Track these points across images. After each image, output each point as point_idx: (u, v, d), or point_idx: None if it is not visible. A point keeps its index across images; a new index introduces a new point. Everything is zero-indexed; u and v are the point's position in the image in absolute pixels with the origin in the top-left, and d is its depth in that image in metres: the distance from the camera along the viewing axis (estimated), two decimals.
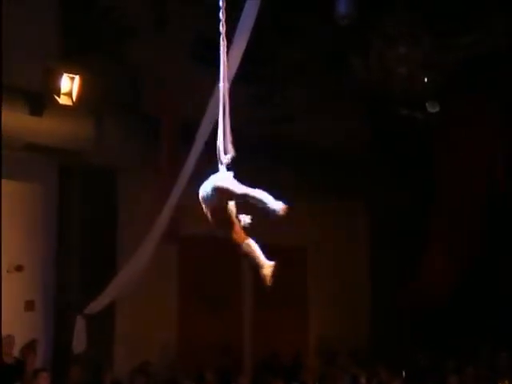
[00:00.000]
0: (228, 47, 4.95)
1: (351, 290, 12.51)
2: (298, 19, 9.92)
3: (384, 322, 12.38)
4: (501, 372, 9.91)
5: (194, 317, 10.95)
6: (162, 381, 9.98)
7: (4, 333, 8.70)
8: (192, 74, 9.44)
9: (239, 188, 4.44)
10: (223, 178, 4.55)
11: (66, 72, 8.49)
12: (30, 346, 9.10)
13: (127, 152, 9.50)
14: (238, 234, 4.57)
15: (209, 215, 4.59)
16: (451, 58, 9.46)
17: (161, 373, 10.20)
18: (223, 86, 4.78)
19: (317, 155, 11.20)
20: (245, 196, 4.39)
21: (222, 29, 4.82)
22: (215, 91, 6.37)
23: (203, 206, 4.58)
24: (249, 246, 4.55)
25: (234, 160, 4.69)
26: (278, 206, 4.32)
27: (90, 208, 9.76)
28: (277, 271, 4.53)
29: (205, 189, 4.55)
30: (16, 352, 8.91)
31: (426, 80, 9.37)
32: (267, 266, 4.57)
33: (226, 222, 4.57)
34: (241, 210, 4.65)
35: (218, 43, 4.84)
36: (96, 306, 9.05)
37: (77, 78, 8.55)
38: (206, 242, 9.54)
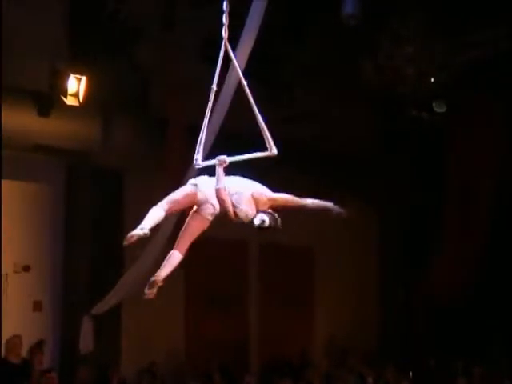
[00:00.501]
0: (234, 48, 4.96)
1: (359, 290, 12.48)
2: (308, 19, 9.91)
3: (392, 322, 12.35)
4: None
5: (200, 317, 10.95)
6: (169, 381, 9.99)
7: (12, 333, 8.74)
8: (200, 74, 9.42)
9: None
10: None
11: (73, 73, 8.50)
12: (37, 346, 9.12)
13: (134, 152, 9.51)
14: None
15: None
16: (460, 58, 9.43)
17: (168, 373, 10.21)
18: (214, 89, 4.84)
19: (327, 155, 11.18)
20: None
21: (225, 34, 4.83)
22: (221, 92, 6.40)
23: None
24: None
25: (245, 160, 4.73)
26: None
27: (98, 208, 9.77)
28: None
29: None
30: (23, 352, 8.92)
31: (434, 80, 9.33)
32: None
33: None
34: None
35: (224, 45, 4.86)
36: (103, 306, 9.06)
37: (84, 78, 8.56)
38: (213, 242, 9.56)
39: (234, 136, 7.61)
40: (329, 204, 4.66)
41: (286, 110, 10.45)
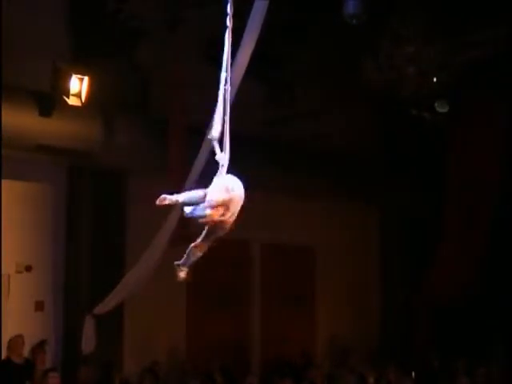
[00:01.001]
0: (236, 49, 4.96)
1: (360, 290, 12.49)
2: (309, 19, 9.92)
3: (394, 322, 12.35)
4: None
5: (202, 317, 10.95)
6: (171, 381, 10.00)
7: (14, 333, 8.75)
8: (202, 75, 9.43)
9: None
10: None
11: (75, 73, 8.50)
12: (39, 346, 9.13)
13: (136, 153, 9.52)
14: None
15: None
16: (461, 58, 9.43)
17: (169, 373, 10.21)
18: (226, 89, 4.77)
19: (328, 156, 11.18)
20: None
21: (229, 37, 4.82)
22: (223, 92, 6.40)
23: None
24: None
25: (245, 160, 4.67)
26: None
27: (100, 208, 9.78)
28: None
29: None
30: (26, 352, 8.93)
31: (435, 80, 9.34)
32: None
33: None
34: None
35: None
36: (105, 306, 9.07)
37: (86, 78, 8.56)
38: (215, 242, 9.57)
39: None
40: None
41: (286, 109, 10.46)
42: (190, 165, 7.86)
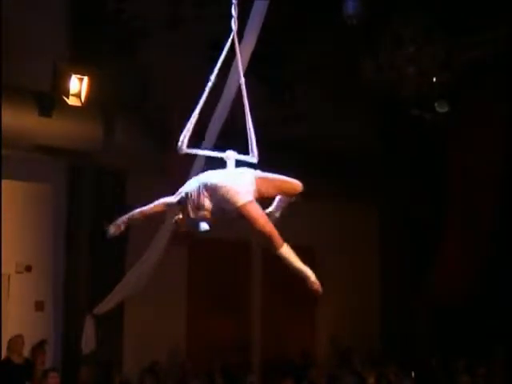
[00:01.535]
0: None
1: (361, 290, 12.48)
2: (309, 19, 9.92)
3: (394, 322, 12.35)
4: None
5: (203, 316, 10.96)
6: (171, 380, 10.00)
7: (14, 333, 8.75)
8: (203, 75, 9.43)
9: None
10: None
11: (75, 73, 8.50)
12: (39, 346, 9.12)
13: (136, 153, 9.51)
14: (274, 239, 4.27)
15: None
16: (461, 58, 9.44)
17: (169, 373, 10.21)
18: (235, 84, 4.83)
19: (328, 156, 11.18)
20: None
21: (235, 39, 4.84)
22: (223, 92, 6.41)
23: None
24: (284, 255, 4.33)
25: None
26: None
27: (100, 208, 9.78)
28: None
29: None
30: (26, 352, 8.93)
31: (435, 80, 9.34)
32: (311, 275, 4.35)
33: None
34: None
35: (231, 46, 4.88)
36: (105, 305, 9.07)
37: (86, 78, 8.56)
38: (216, 242, 9.58)
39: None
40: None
41: (286, 109, 10.46)
42: (189, 165, 7.86)
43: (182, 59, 9.29)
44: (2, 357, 8.74)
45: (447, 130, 11.14)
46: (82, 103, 8.57)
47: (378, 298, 12.81)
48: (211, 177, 4.45)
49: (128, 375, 9.64)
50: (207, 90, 4.84)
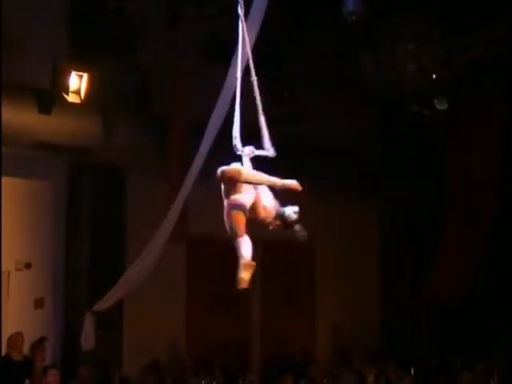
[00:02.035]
0: (235, 47, 4.99)
1: (361, 289, 12.49)
2: (309, 17, 9.92)
3: (394, 320, 12.35)
4: None
5: (202, 314, 10.96)
6: (171, 378, 10.00)
7: (13, 330, 8.75)
8: (202, 73, 9.45)
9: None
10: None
11: (75, 70, 8.51)
12: (39, 344, 9.12)
13: (136, 150, 9.53)
14: (240, 225, 4.52)
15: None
16: (461, 56, 9.44)
17: (169, 370, 10.22)
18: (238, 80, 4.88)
19: (328, 154, 11.18)
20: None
21: (243, 42, 4.87)
22: (222, 90, 6.41)
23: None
24: (239, 243, 4.50)
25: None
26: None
27: (99, 205, 9.79)
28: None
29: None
30: (25, 349, 8.94)
31: (435, 77, 9.34)
32: (245, 265, 4.47)
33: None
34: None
35: (230, 42, 4.90)
36: (104, 303, 9.08)
37: (85, 75, 8.57)
38: (215, 240, 9.58)
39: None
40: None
41: (286, 108, 10.45)
42: (189, 162, 7.86)
43: (182, 57, 9.29)
44: (2, 354, 8.74)
45: (447, 130, 11.14)
46: (82, 100, 8.58)
47: (377, 298, 12.81)
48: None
49: (127, 373, 9.64)
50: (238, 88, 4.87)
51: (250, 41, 6.28)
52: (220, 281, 11.09)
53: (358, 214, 12.50)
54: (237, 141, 4.81)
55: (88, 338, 9.17)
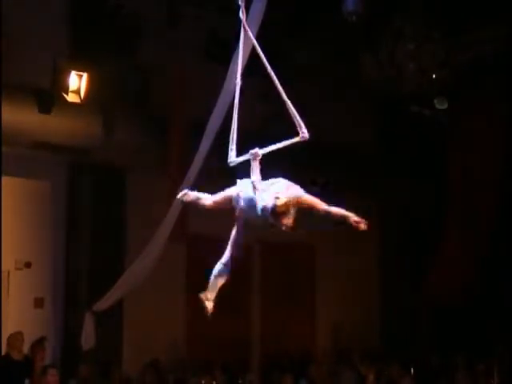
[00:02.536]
0: (235, 47, 4.98)
1: (361, 289, 12.48)
2: (309, 16, 9.92)
3: (394, 320, 12.35)
4: None
5: (202, 314, 10.94)
6: (171, 378, 10.00)
7: (13, 329, 8.75)
8: (202, 72, 9.45)
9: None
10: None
11: (75, 69, 8.52)
12: (39, 343, 9.12)
13: (136, 149, 9.53)
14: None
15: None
16: (461, 56, 9.45)
17: (169, 370, 10.22)
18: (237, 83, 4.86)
19: (328, 154, 11.18)
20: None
21: (244, 42, 4.87)
22: (222, 90, 6.42)
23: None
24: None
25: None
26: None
27: (99, 205, 9.80)
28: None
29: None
30: (25, 349, 8.94)
31: (435, 77, 9.35)
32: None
33: None
34: None
35: (230, 42, 4.89)
36: (104, 302, 9.09)
37: (85, 75, 8.57)
38: (214, 240, 9.57)
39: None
40: (351, 214, 4.60)
41: (286, 108, 10.44)
42: (189, 162, 7.88)
43: (182, 56, 9.29)
44: (2, 353, 8.74)
45: (447, 130, 11.14)
46: (82, 100, 8.59)
47: (377, 298, 12.81)
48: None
49: (127, 372, 9.65)
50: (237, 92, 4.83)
51: (249, 40, 6.30)
52: None
53: (357, 214, 12.47)
54: (233, 153, 4.72)
55: (88, 337, 9.17)
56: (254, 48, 6.28)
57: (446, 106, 10.22)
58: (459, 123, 10.99)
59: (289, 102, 4.83)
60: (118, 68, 9.10)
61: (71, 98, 8.53)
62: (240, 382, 10.04)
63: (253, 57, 6.28)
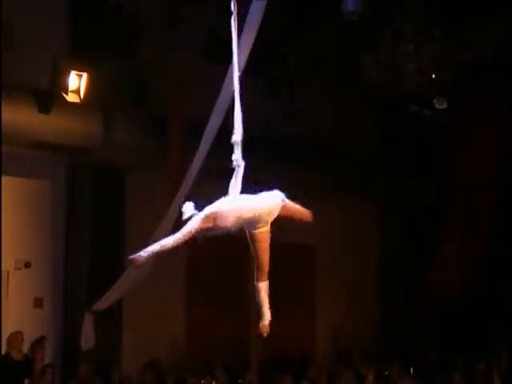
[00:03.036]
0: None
1: (360, 289, 12.49)
2: (309, 16, 9.93)
3: (394, 320, 12.35)
4: None
5: (202, 314, 10.96)
6: (171, 377, 10.00)
7: (13, 329, 8.76)
8: (202, 72, 9.45)
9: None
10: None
11: (74, 69, 8.52)
12: (38, 343, 9.12)
13: (135, 149, 9.53)
14: (263, 272, 4.59)
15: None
16: (461, 56, 9.45)
17: (169, 370, 10.22)
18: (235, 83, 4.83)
19: (328, 154, 11.19)
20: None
21: (235, 38, 4.86)
22: (222, 90, 6.41)
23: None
24: (259, 289, 4.60)
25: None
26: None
27: (99, 205, 9.80)
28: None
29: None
30: (25, 348, 8.94)
31: (435, 77, 9.35)
32: (266, 319, 4.57)
33: None
34: None
35: (230, 42, 4.88)
36: (104, 302, 9.08)
37: (85, 75, 8.58)
38: (215, 240, 9.57)
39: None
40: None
41: (285, 107, 10.46)
42: (189, 162, 7.88)
43: (182, 56, 9.29)
44: (2, 353, 8.75)
45: (447, 130, 11.14)
46: (81, 100, 8.59)
47: (377, 298, 12.81)
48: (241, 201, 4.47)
49: (127, 372, 9.65)
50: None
51: (249, 40, 6.31)
52: (220, 281, 11.12)
53: (357, 213, 12.49)
54: (238, 152, 4.58)
55: (88, 337, 9.18)
56: (253, 45, 6.31)
57: (445, 105, 10.23)
58: (459, 123, 10.99)
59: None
60: (118, 68, 9.10)
61: (71, 97, 8.53)
62: (240, 381, 10.04)
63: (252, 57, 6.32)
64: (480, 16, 9.20)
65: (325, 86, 10.83)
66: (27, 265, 9.56)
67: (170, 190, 8.54)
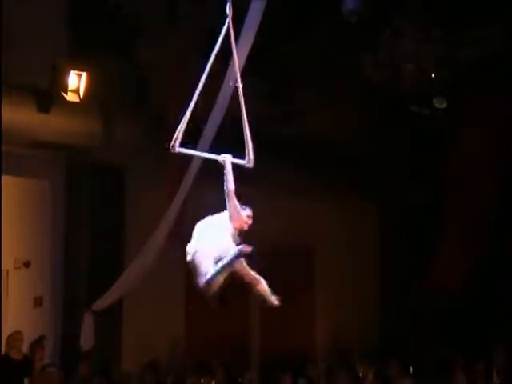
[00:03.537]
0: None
1: (360, 289, 12.49)
2: (309, 16, 9.93)
3: (394, 320, 12.35)
4: None
5: (202, 313, 10.94)
6: (171, 377, 10.01)
7: (12, 329, 8.76)
8: (201, 71, 9.43)
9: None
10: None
11: (74, 69, 8.53)
12: (38, 342, 9.14)
13: (135, 149, 9.53)
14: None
15: None
16: (460, 55, 9.45)
17: (169, 370, 10.23)
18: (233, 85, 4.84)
19: (328, 154, 11.19)
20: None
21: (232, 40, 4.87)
22: (222, 90, 6.43)
23: None
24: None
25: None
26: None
27: (98, 204, 9.80)
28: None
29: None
30: (24, 348, 8.95)
31: (435, 77, 9.36)
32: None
33: None
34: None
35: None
36: (104, 302, 9.09)
37: (84, 74, 8.58)
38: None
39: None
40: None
41: (285, 107, 10.46)
42: (188, 162, 7.88)
43: (181, 55, 9.29)
44: (1, 353, 8.75)
45: (447, 129, 11.14)
46: (81, 99, 8.60)
47: (377, 298, 12.81)
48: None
49: (127, 372, 9.65)
50: (199, 88, 4.83)
51: (248, 40, 6.32)
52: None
53: (357, 214, 12.49)
54: (177, 141, 4.70)
55: (87, 337, 9.18)
56: (252, 47, 6.31)
57: (445, 105, 10.23)
58: (459, 123, 10.99)
59: (247, 127, 4.76)
60: (118, 67, 9.10)
61: (70, 97, 8.54)
62: (240, 381, 10.04)
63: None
64: (480, 16, 9.20)
65: (325, 85, 10.82)
66: (27, 264, 9.56)
67: (170, 190, 8.54)
